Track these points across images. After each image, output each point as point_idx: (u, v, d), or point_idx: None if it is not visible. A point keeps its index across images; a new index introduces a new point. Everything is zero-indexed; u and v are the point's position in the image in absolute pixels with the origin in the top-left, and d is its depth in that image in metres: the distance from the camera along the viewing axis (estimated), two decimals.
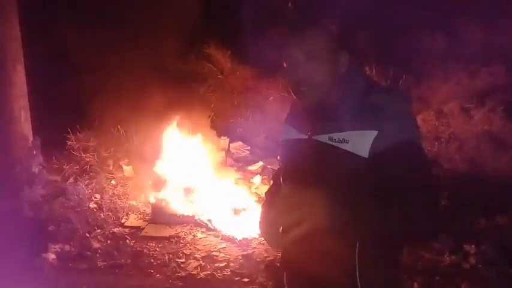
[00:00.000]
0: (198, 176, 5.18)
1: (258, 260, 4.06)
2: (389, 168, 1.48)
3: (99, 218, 4.79)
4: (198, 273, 3.88)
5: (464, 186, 4.75)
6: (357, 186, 1.49)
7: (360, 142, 1.51)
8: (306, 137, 1.67)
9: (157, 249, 4.30)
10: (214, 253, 4.20)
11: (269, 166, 5.74)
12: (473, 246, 3.85)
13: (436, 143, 5.62)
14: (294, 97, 1.67)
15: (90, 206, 5.01)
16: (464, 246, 3.87)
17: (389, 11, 5.60)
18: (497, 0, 6.16)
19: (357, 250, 1.58)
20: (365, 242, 1.56)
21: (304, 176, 1.68)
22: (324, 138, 1.60)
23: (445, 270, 3.65)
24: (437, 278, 3.56)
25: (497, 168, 5.10)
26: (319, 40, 1.57)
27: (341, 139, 1.55)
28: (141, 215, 4.96)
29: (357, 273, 1.59)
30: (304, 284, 1.78)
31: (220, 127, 6.31)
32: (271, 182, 2.01)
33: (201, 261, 4.06)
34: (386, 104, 1.53)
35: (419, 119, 5.74)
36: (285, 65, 1.64)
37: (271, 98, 6.66)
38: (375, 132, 1.48)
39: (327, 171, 1.60)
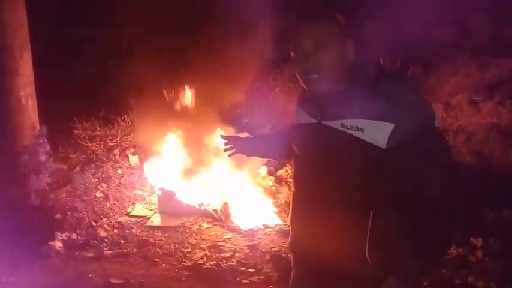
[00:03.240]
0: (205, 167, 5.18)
1: (263, 250, 4.06)
2: (408, 161, 1.54)
3: (105, 207, 4.81)
4: (203, 263, 3.89)
5: (472, 179, 4.72)
6: (371, 175, 1.57)
7: (377, 133, 1.52)
8: (316, 121, 1.68)
9: (163, 238, 4.31)
10: (220, 243, 4.20)
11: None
12: (480, 239, 3.82)
13: (444, 135, 5.58)
14: (304, 87, 1.67)
15: (97, 195, 5.03)
16: (471, 239, 3.85)
17: (398, 2, 5.55)
18: None
19: (369, 222, 1.60)
20: (379, 212, 1.60)
21: (314, 161, 1.71)
22: (335, 124, 1.61)
23: (452, 263, 3.63)
24: (443, 270, 3.54)
25: (505, 161, 5.07)
26: (327, 29, 1.59)
27: (354, 126, 1.55)
28: (147, 205, 4.97)
29: (367, 248, 1.62)
30: (312, 265, 1.80)
31: (226, 117, 6.29)
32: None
33: (206, 251, 4.06)
34: (400, 94, 1.55)
35: None
36: (292, 54, 1.65)
37: (277, 89, 6.64)
38: (392, 125, 1.50)
39: (337, 158, 1.62)
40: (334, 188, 1.64)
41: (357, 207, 1.61)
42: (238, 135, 2.21)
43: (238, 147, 2.11)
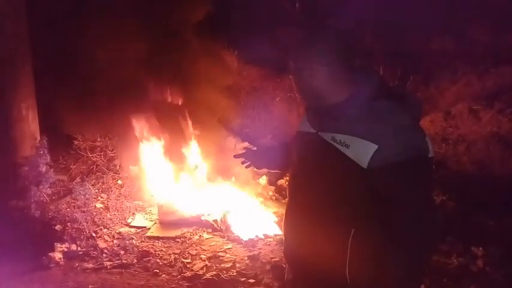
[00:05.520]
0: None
1: (263, 260, 4.05)
2: (384, 186, 1.54)
3: (105, 218, 4.80)
4: (204, 274, 3.87)
5: (472, 188, 4.72)
6: (351, 193, 1.59)
7: (361, 151, 1.53)
8: (314, 131, 1.71)
9: (164, 249, 4.30)
10: (220, 253, 4.19)
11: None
12: (481, 248, 3.82)
13: (444, 144, 5.59)
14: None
15: (97, 205, 5.03)
16: (472, 248, 3.84)
17: (398, 12, 5.58)
18: (506, 0, 6.12)
19: (350, 240, 1.61)
20: (360, 232, 1.60)
21: (305, 171, 1.75)
22: (327, 136, 1.63)
23: (453, 273, 3.62)
24: (444, 280, 3.53)
25: (506, 170, 5.07)
26: (320, 54, 1.61)
27: (342, 142, 1.57)
28: (148, 215, 4.96)
29: (347, 266, 1.63)
30: (300, 274, 1.84)
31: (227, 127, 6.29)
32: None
33: (207, 262, 4.05)
34: (390, 116, 1.55)
35: (427, 120, 5.71)
36: (291, 67, 1.69)
37: (278, 99, 6.65)
38: (376, 146, 1.50)
39: (323, 170, 1.66)
40: (318, 201, 1.66)
41: (338, 222, 1.62)
42: (250, 147, 2.28)
43: (251, 159, 2.17)
